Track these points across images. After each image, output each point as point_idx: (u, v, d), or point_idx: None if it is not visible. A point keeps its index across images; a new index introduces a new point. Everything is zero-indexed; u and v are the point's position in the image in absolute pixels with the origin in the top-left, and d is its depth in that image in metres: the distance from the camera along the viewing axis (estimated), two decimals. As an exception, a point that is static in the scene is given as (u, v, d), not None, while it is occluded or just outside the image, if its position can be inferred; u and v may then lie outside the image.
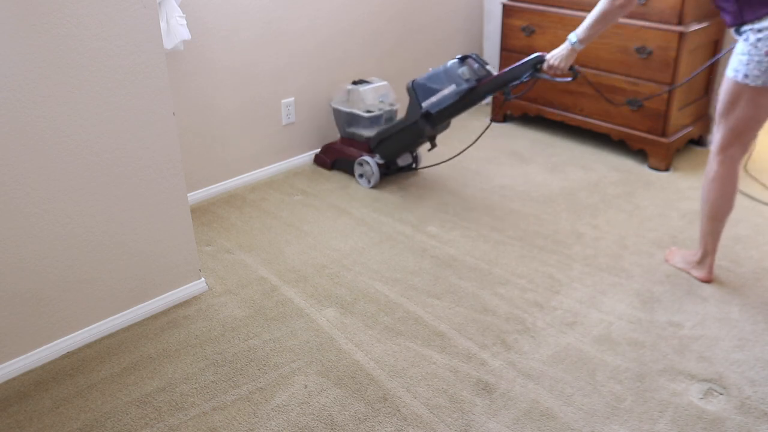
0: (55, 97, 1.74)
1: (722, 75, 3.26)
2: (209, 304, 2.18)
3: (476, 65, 2.69)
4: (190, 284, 2.22)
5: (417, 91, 2.74)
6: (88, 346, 2.00)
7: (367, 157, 2.92)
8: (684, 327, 2.04)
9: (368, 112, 2.96)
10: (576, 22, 3.20)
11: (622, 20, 3.03)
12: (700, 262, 2.26)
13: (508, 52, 3.57)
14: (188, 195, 2.66)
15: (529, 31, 3.43)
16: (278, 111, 3.07)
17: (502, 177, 3.06)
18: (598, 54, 3.17)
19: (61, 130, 1.78)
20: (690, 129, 3.19)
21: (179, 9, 2.41)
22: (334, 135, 3.36)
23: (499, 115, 3.76)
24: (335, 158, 3.11)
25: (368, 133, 2.98)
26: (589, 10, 3.16)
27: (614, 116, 3.21)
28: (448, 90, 2.67)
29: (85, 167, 1.85)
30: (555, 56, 2.43)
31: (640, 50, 3.00)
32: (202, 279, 2.25)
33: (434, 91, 2.70)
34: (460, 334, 2.02)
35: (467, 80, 2.64)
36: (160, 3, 2.35)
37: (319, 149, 3.27)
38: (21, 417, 1.73)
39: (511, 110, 3.67)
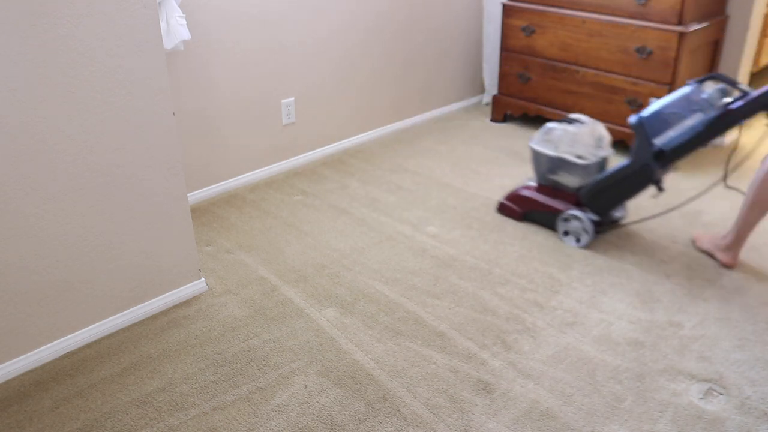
0: (55, 97, 1.74)
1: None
2: (209, 304, 2.18)
3: (722, 86, 2.25)
4: (190, 284, 2.22)
5: (647, 127, 2.27)
6: (88, 346, 2.00)
7: (577, 212, 2.45)
8: (684, 327, 2.04)
9: (580, 158, 2.44)
10: (576, 22, 3.21)
11: (622, 20, 3.04)
12: (729, 248, 2.30)
13: (508, 52, 3.57)
14: (188, 195, 2.66)
15: (529, 31, 3.43)
16: (278, 111, 3.07)
17: (502, 177, 3.06)
18: (598, 54, 3.17)
19: (61, 131, 1.78)
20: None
21: (179, 9, 2.41)
22: (335, 134, 3.36)
23: (499, 115, 3.76)
24: (530, 209, 2.62)
25: (576, 182, 2.48)
26: (588, 10, 3.17)
27: (614, 116, 3.21)
28: (693, 120, 2.24)
29: (85, 167, 1.85)
30: None
31: (640, 50, 3.00)
32: (202, 279, 2.25)
33: (670, 125, 2.28)
34: (460, 334, 2.02)
35: (718, 106, 2.22)
36: (160, 3, 2.35)
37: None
38: (21, 417, 1.73)
39: (511, 110, 3.67)
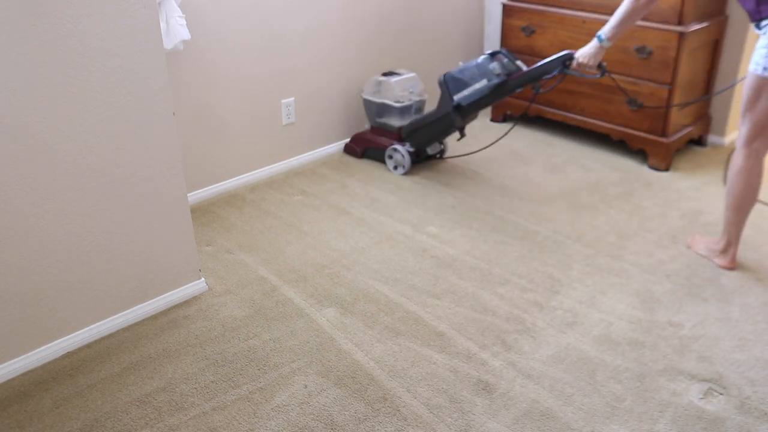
0: (55, 97, 1.74)
1: (723, 75, 3.27)
2: (209, 304, 2.18)
3: (506, 60, 2.82)
4: (190, 284, 2.22)
5: (449, 84, 2.85)
6: (88, 346, 2.00)
7: (398, 146, 3.05)
8: (684, 327, 2.04)
9: (398, 102, 3.08)
10: (576, 22, 3.20)
11: (622, 20, 3.03)
12: (724, 251, 2.34)
13: (508, 52, 3.57)
14: (188, 195, 2.66)
15: (529, 31, 3.43)
16: (278, 111, 3.07)
17: (503, 177, 3.06)
18: (598, 54, 3.17)
19: (61, 130, 1.78)
20: (690, 129, 3.19)
21: (179, 9, 2.40)
22: (335, 134, 3.36)
23: (499, 115, 3.76)
24: (366, 147, 3.22)
25: (398, 122, 3.11)
26: (588, 10, 3.17)
27: (614, 116, 3.21)
28: (480, 84, 2.79)
29: (85, 167, 1.85)
30: (583, 54, 2.51)
31: (640, 50, 3.00)
32: (202, 279, 2.25)
33: (466, 85, 2.82)
34: (460, 334, 2.02)
35: (498, 75, 2.78)
36: (160, 3, 2.35)
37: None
38: (21, 417, 1.73)
39: (511, 110, 3.67)
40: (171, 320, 2.11)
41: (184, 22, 2.41)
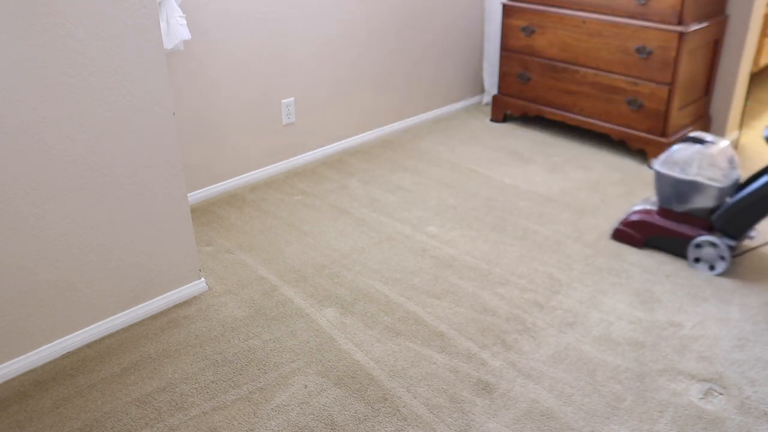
0: (55, 97, 1.74)
1: (722, 75, 3.27)
2: (209, 304, 2.18)
3: None
4: (190, 284, 2.22)
5: None
6: (88, 346, 2.00)
7: (712, 238, 2.30)
8: (684, 327, 2.04)
9: (715, 181, 2.29)
10: (576, 22, 3.21)
11: (622, 20, 3.04)
12: None
13: (508, 52, 3.57)
14: (188, 195, 2.66)
15: (529, 31, 3.43)
16: (278, 111, 3.07)
17: (503, 177, 3.06)
18: (598, 54, 3.17)
19: (61, 131, 1.78)
20: (690, 129, 3.19)
21: (179, 9, 2.41)
22: (335, 134, 3.36)
23: (499, 115, 3.76)
24: (653, 235, 2.46)
25: (710, 206, 2.33)
26: (588, 10, 3.17)
27: (614, 116, 3.21)
28: None
29: (85, 167, 1.85)
30: None
31: (640, 50, 3.00)
32: (202, 279, 2.25)
33: None
34: (460, 334, 2.02)
35: None
36: (160, 3, 2.35)
37: None
38: (21, 417, 1.73)
39: (511, 110, 3.67)
40: (171, 320, 2.11)
41: (185, 22, 2.41)
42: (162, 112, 1.97)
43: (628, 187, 2.95)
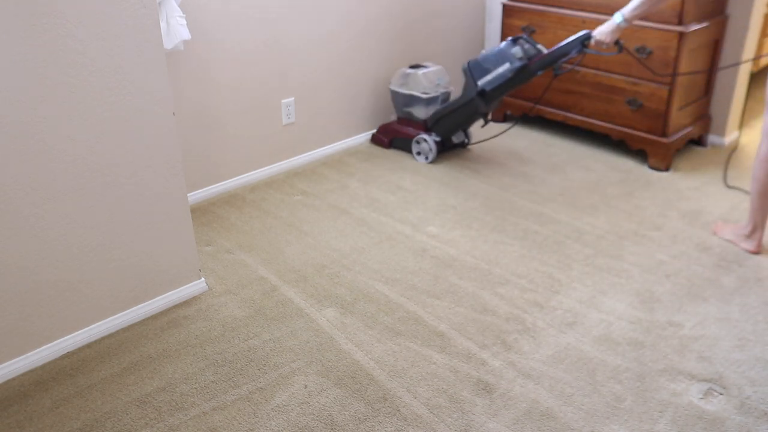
0: (55, 97, 1.74)
1: (722, 75, 3.27)
2: (209, 304, 2.18)
3: (527, 45, 2.90)
4: (190, 284, 2.22)
5: (472, 70, 2.95)
6: (88, 346, 2.00)
7: (424, 135, 3.16)
8: (684, 327, 2.04)
9: (425, 93, 3.17)
10: (575, 22, 3.20)
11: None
12: (750, 236, 2.43)
13: (508, 52, 3.57)
14: (188, 195, 2.66)
15: (529, 31, 3.42)
16: (278, 111, 3.07)
17: (502, 177, 3.06)
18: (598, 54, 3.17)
19: (61, 131, 1.78)
20: (690, 129, 3.19)
21: (179, 9, 2.41)
22: (335, 134, 3.36)
23: (499, 115, 3.76)
24: (393, 137, 3.35)
25: (424, 113, 3.21)
26: (588, 10, 3.17)
27: (614, 116, 3.21)
28: (503, 68, 2.87)
29: (85, 167, 1.85)
30: (601, 32, 2.64)
31: (640, 50, 3.00)
32: (202, 279, 2.25)
33: (489, 71, 2.91)
34: (460, 334, 2.02)
35: (520, 59, 2.85)
36: (160, 3, 2.35)
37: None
38: (21, 417, 1.73)
39: (511, 110, 3.67)
40: (171, 320, 2.11)
41: (185, 22, 2.41)
42: (162, 112, 1.97)
43: (628, 187, 2.95)
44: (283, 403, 1.77)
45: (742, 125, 3.13)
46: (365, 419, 1.71)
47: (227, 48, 2.78)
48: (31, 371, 1.90)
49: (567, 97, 3.38)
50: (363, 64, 3.36)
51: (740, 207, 2.74)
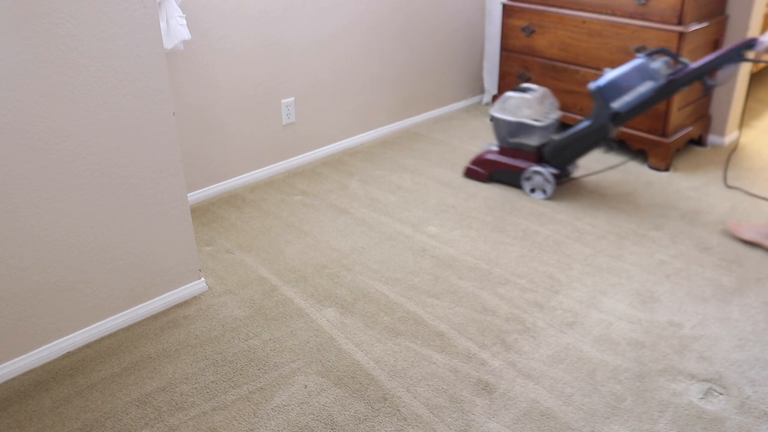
0: (55, 97, 1.74)
1: (724, 75, 3.27)
2: (209, 304, 2.18)
3: (669, 58, 2.67)
4: (190, 284, 2.22)
5: (604, 92, 2.66)
6: (88, 346, 2.00)
7: (539, 168, 2.79)
8: (684, 327, 2.04)
9: (538, 120, 2.77)
10: (576, 22, 3.21)
11: (622, 20, 3.04)
12: None
13: (508, 52, 3.57)
14: (188, 195, 2.66)
15: (529, 31, 3.43)
16: (278, 111, 3.07)
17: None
18: (598, 54, 3.17)
19: (61, 130, 1.78)
20: (690, 129, 3.19)
21: (179, 9, 2.41)
22: (335, 134, 3.36)
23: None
24: (494, 170, 2.94)
25: (537, 142, 2.82)
26: (588, 10, 3.17)
27: (614, 116, 3.21)
28: (645, 87, 2.63)
29: (84, 167, 1.85)
30: None
31: (640, 50, 3.00)
32: (202, 279, 2.25)
33: (626, 91, 2.64)
34: (460, 334, 2.02)
35: (664, 75, 2.63)
36: (160, 3, 2.35)
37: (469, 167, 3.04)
38: (21, 417, 1.73)
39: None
40: (171, 320, 2.11)
41: (185, 22, 2.41)
42: (162, 112, 1.97)
43: (628, 187, 2.95)
44: (283, 403, 1.77)
45: (742, 125, 3.12)
46: (365, 419, 1.71)
47: (227, 48, 2.78)
48: (31, 371, 1.90)
49: (567, 97, 3.38)
50: (363, 63, 3.36)
51: (740, 207, 2.74)
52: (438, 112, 3.90)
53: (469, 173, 3.02)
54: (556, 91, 3.40)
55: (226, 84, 2.83)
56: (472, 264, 2.38)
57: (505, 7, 3.50)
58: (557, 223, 2.65)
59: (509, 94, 2.85)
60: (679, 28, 2.87)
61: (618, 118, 2.66)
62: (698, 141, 3.41)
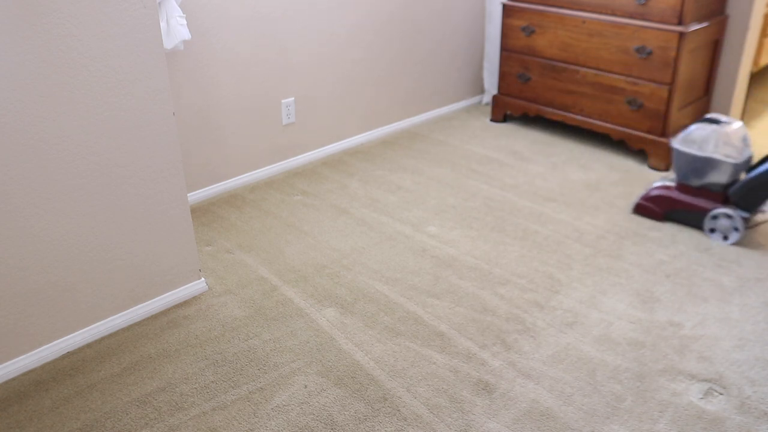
0: (55, 97, 1.74)
1: (723, 75, 3.27)
2: (209, 304, 2.18)
3: None
4: (190, 284, 2.22)
5: None
6: (88, 346, 2.00)
7: (727, 210, 2.49)
8: (684, 327, 2.04)
9: (731, 157, 2.47)
10: (576, 22, 3.21)
11: (622, 20, 3.04)
12: None
13: (508, 52, 3.57)
14: (188, 195, 2.66)
15: (529, 31, 3.43)
16: (278, 111, 3.07)
17: (503, 177, 3.06)
18: (598, 54, 3.17)
19: (61, 130, 1.78)
20: None
21: (179, 9, 2.41)
22: (335, 134, 3.36)
23: (499, 115, 3.76)
24: (671, 208, 2.64)
25: (724, 181, 2.51)
26: (588, 10, 3.17)
27: (614, 116, 3.21)
28: None
29: (84, 167, 1.85)
30: None
31: (640, 50, 3.00)
32: (202, 279, 2.25)
33: None
34: (460, 334, 2.02)
35: None
36: (160, 3, 2.35)
37: None
38: (21, 417, 1.73)
39: (511, 110, 3.67)
40: (171, 320, 2.11)
41: (185, 22, 2.41)
42: (162, 112, 1.97)
43: (628, 187, 2.95)
44: (283, 403, 1.77)
45: None
46: (365, 419, 1.71)
47: (227, 48, 2.78)
48: (31, 371, 1.90)
49: (567, 97, 3.38)
50: (363, 63, 3.36)
51: (740, 207, 2.74)
52: (438, 112, 3.90)
53: (639, 210, 2.72)
54: (556, 92, 3.40)
55: (226, 84, 2.83)
56: (472, 264, 2.38)
57: (505, 7, 3.50)
58: (557, 223, 2.65)
59: (701, 126, 2.55)
60: (679, 28, 2.87)
61: None
62: (698, 141, 3.40)
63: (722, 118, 2.55)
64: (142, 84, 1.89)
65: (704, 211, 2.56)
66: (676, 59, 2.91)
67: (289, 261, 2.41)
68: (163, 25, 2.37)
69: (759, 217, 2.64)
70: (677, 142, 2.59)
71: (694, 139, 2.54)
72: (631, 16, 3.02)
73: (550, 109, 3.47)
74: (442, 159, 3.26)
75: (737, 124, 2.52)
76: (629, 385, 1.81)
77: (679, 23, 2.88)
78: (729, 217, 2.49)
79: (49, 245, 1.85)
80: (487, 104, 4.06)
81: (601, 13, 3.12)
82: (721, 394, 1.78)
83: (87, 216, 1.90)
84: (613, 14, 3.08)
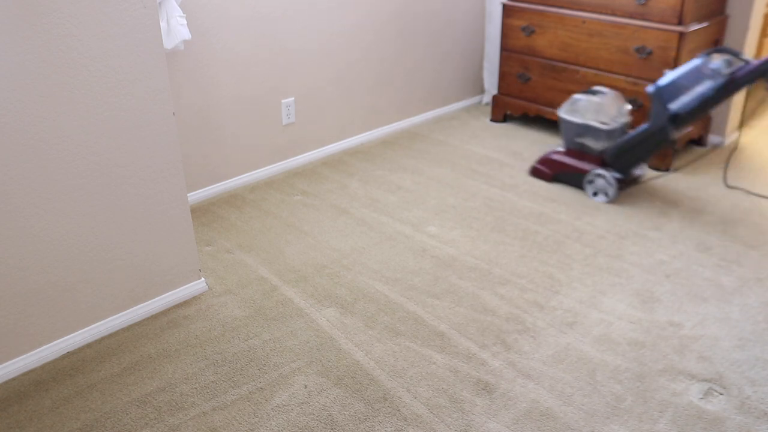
0: (55, 97, 1.74)
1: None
2: (209, 304, 2.18)
3: (730, 56, 2.59)
4: (190, 284, 2.22)
5: (662, 94, 2.62)
6: (88, 346, 2.00)
7: (602, 171, 2.78)
8: (684, 327, 2.04)
9: (605, 124, 2.76)
10: (576, 22, 3.20)
11: (622, 20, 3.04)
12: None
13: (508, 52, 3.57)
14: (188, 195, 2.66)
15: (529, 31, 3.43)
16: (278, 111, 3.07)
17: (503, 177, 3.06)
18: (598, 54, 3.17)
19: (61, 130, 1.78)
20: (690, 129, 3.19)
21: (179, 9, 2.41)
22: (335, 134, 3.36)
23: (499, 115, 3.76)
24: (558, 171, 2.95)
25: (601, 145, 2.82)
26: (588, 10, 3.17)
27: (614, 116, 3.21)
28: (703, 87, 2.58)
29: (84, 167, 1.85)
30: None
31: (640, 50, 3.00)
32: (202, 279, 2.25)
33: (683, 92, 2.61)
34: (460, 334, 2.02)
35: (724, 74, 2.53)
36: (160, 3, 2.35)
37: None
38: (21, 417, 1.73)
39: (511, 110, 3.67)
40: (171, 320, 2.11)
41: (185, 22, 2.41)
42: (162, 112, 1.97)
43: (628, 186, 2.95)
44: (283, 403, 1.77)
45: (742, 125, 3.13)
46: (365, 419, 1.71)
47: (227, 48, 2.78)
48: (31, 371, 1.90)
49: (567, 97, 3.37)
50: (363, 63, 3.36)
51: (740, 207, 2.74)
52: (438, 112, 3.90)
53: (535, 172, 3.03)
54: (556, 92, 3.40)
55: (226, 84, 2.83)
56: (472, 264, 2.38)
57: (505, 7, 3.50)
58: (557, 223, 2.65)
59: (579, 96, 2.84)
60: (679, 28, 2.87)
61: (677, 119, 2.61)
62: (698, 141, 3.40)
63: (603, 90, 2.85)
64: (142, 84, 1.89)
65: (584, 173, 2.86)
66: (676, 59, 2.91)
67: (289, 261, 2.41)
68: (163, 25, 2.37)
69: (638, 176, 2.94)
70: (563, 111, 2.90)
71: (577, 109, 2.84)
72: (631, 16, 3.02)
73: (550, 109, 3.47)
74: (442, 159, 3.26)
75: (613, 95, 2.83)
76: (629, 385, 1.81)
77: (679, 23, 2.88)
78: (602, 177, 2.78)
79: (49, 245, 1.85)
80: (487, 104, 4.06)
81: (601, 13, 3.12)
82: (721, 394, 1.78)
83: (87, 216, 1.90)
84: (613, 14, 3.08)
